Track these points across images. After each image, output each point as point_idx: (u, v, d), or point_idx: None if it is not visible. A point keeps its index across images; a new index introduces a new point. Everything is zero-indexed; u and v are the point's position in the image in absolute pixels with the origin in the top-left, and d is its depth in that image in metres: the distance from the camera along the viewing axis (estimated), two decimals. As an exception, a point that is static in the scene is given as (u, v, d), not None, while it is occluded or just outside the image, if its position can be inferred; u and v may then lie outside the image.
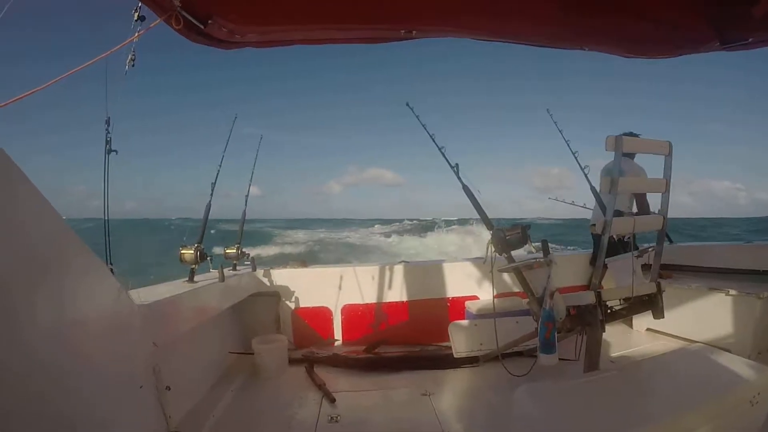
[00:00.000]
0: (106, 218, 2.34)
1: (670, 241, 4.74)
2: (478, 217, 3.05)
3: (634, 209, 4.45)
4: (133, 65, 2.06)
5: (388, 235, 31.59)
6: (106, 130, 2.24)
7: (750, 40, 2.44)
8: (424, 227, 32.77)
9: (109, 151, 2.27)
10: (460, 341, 3.51)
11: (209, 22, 2.20)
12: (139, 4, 1.96)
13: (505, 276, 3.38)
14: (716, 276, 4.17)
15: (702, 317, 3.66)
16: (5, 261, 1.17)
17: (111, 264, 2.13)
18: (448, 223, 31.49)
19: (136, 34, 2.00)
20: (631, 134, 4.40)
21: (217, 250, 4.02)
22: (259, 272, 4.29)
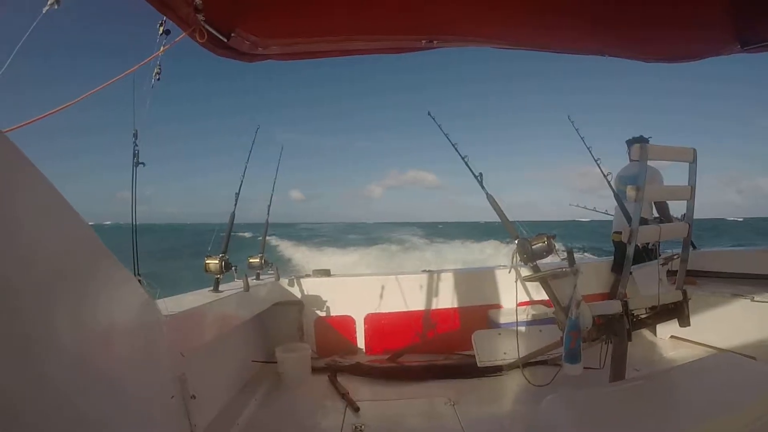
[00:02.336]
0: (134, 228, 2.37)
1: (694, 247, 4.67)
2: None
3: (654, 213, 4.40)
4: (158, 78, 2.09)
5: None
6: (134, 143, 2.27)
7: None
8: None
9: (136, 164, 2.30)
10: (483, 350, 3.48)
11: (232, 35, 2.24)
12: (164, 19, 2.00)
13: (529, 284, 3.36)
14: (741, 282, 4.09)
15: (727, 324, 3.61)
16: (33, 273, 1.18)
17: (139, 274, 2.16)
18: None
19: (162, 49, 2.04)
20: (641, 138, 4.38)
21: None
22: (283, 281, 4.31)
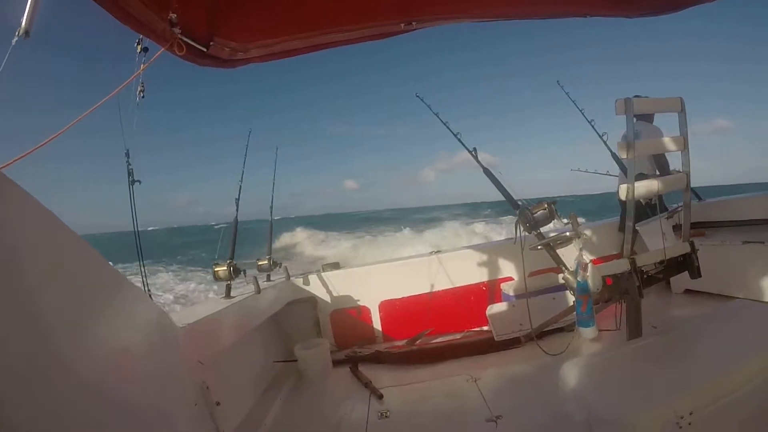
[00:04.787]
0: (138, 244, 2.40)
1: (699, 199, 4.65)
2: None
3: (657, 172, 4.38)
4: (143, 96, 2.10)
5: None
6: (127, 162, 2.30)
7: None
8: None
9: (132, 182, 2.33)
10: (499, 324, 3.51)
11: (211, 44, 2.24)
12: (141, 37, 2.01)
13: (538, 253, 3.39)
14: (750, 228, 4.06)
15: (740, 272, 3.59)
16: (48, 303, 1.19)
17: (148, 289, 2.19)
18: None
19: (142, 67, 2.05)
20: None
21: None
22: (294, 280, 4.33)
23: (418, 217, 37.44)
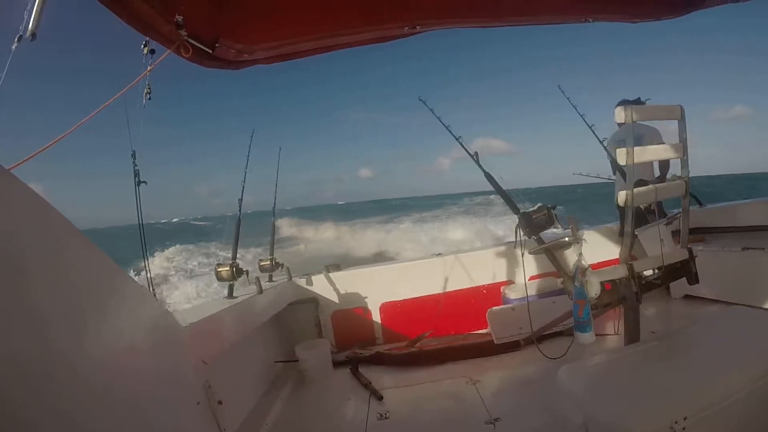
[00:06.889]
0: (143, 245, 2.43)
1: (700, 204, 4.65)
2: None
3: (657, 172, 4.38)
4: (149, 98, 2.12)
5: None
6: (133, 163, 2.32)
7: None
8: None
9: (138, 183, 2.35)
10: (498, 327, 3.52)
11: (217, 45, 2.27)
12: (147, 39, 2.03)
13: (539, 257, 3.37)
14: (751, 234, 4.06)
15: (739, 278, 3.57)
16: (52, 303, 1.21)
17: (153, 288, 2.21)
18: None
19: (149, 68, 2.07)
20: (638, 101, 4.33)
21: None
22: (296, 280, 4.35)
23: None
